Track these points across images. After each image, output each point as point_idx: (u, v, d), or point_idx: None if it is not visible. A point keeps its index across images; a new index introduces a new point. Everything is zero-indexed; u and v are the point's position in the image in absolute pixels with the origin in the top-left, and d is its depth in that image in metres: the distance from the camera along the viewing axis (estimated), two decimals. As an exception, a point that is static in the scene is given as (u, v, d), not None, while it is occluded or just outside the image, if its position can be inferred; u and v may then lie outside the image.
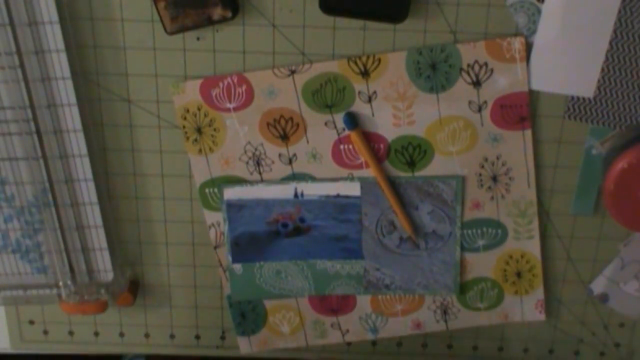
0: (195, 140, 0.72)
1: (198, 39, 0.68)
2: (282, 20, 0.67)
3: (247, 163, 0.73)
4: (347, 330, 0.81)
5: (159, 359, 0.78)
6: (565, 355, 0.82)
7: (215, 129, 0.72)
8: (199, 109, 0.71)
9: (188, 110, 0.71)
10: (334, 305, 0.80)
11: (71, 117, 0.69)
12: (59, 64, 0.67)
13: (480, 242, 0.76)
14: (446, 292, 0.78)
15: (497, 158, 0.72)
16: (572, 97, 0.69)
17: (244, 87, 0.70)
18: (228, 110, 0.71)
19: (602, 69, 0.67)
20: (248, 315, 0.81)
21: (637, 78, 0.67)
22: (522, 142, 0.71)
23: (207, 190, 0.75)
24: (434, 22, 0.67)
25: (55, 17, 0.65)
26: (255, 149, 0.72)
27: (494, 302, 0.78)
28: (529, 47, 0.67)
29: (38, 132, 0.69)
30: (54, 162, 0.70)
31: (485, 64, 0.68)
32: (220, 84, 0.70)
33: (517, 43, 0.67)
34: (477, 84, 0.69)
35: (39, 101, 0.68)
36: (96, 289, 0.76)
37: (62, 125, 0.69)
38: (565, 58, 0.67)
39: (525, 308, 0.79)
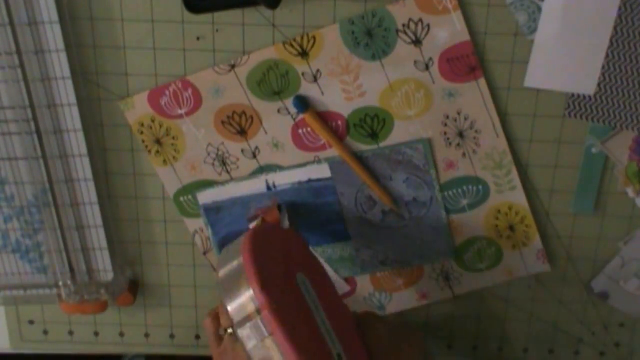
0: (157, 152, 0.72)
1: (198, 39, 0.68)
2: (282, 20, 0.67)
3: (213, 165, 0.73)
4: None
5: (159, 359, 0.78)
6: (565, 355, 0.82)
7: (173, 137, 0.71)
8: (152, 121, 0.71)
9: (143, 124, 0.71)
10: None
11: (71, 117, 0.69)
12: (59, 64, 0.67)
13: (464, 202, 0.74)
14: (443, 258, 0.77)
15: (459, 113, 0.70)
16: (573, 95, 0.69)
17: (190, 91, 0.70)
18: (181, 116, 0.71)
19: (603, 67, 0.67)
20: None
21: (637, 76, 0.67)
22: (478, 92, 0.69)
23: (181, 199, 0.74)
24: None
25: (55, 17, 0.66)
26: (218, 149, 0.72)
27: (494, 260, 0.77)
28: (530, 46, 0.67)
29: (38, 132, 0.69)
30: (54, 162, 0.70)
31: (420, 20, 0.67)
32: (167, 92, 0.70)
33: None
34: (417, 42, 0.68)
35: (39, 101, 0.68)
36: (96, 289, 0.76)
37: (62, 125, 0.69)
38: (566, 56, 0.67)
39: (528, 261, 0.77)
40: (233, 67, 0.68)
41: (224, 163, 0.72)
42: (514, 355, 0.83)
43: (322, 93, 0.69)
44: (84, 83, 0.70)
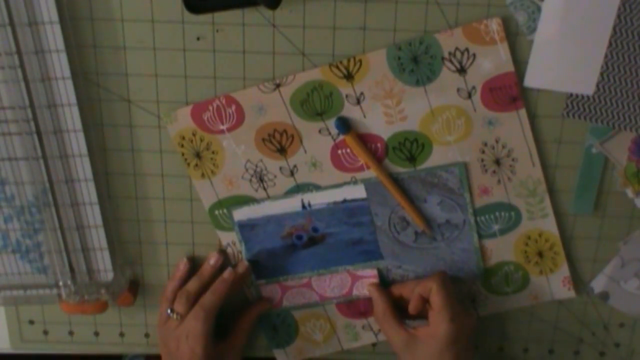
0: (196, 165, 0.72)
1: (198, 39, 0.68)
2: (282, 20, 0.68)
3: (251, 180, 0.73)
4: (379, 330, 0.81)
5: (159, 359, 0.78)
6: (565, 355, 0.82)
7: (213, 152, 0.72)
8: (194, 135, 0.71)
9: (184, 137, 0.71)
10: (361, 308, 0.80)
11: (71, 117, 0.69)
12: (59, 64, 0.67)
13: (496, 227, 0.75)
14: (472, 279, 0.77)
15: (497, 141, 0.71)
16: (571, 95, 0.69)
17: (233, 107, 0.70)
18: (222, 131, 0.71)
19: (602, 67, 0.67)
20: (279, 328, 0.81)
21: (636, 76, 0.67)
22: (517, 122, 0.70)
23: (216, 212, 0.75)
24: (434, 21, 0.67)
25: (55, 17, 0.66)
26: (256, 166, 0.72)
27: (520, 284, 0.78)
28: (507, 27, 0.67)
29: (38, 132, 0.69)
30: (54, 162, 0.70)
31: (467, 49, 0.67)
32: (210, 107, 0.70)
33: (494, 24, 0.67)
34: (461, 70, 0.68)
35: (39, 101, 0.68)
36: (96, 289, 0.76)
37: (62, 125, 0.69)
38: (565, 56, 0.67)
39: (553, 287, 0.78)
40: (278, 86, 0.69)
41: (261, 179, 0.73)
42: (514, 355, 0.83)
43: (364, 115, 0.70)
44: (84, 83, 0.70)
